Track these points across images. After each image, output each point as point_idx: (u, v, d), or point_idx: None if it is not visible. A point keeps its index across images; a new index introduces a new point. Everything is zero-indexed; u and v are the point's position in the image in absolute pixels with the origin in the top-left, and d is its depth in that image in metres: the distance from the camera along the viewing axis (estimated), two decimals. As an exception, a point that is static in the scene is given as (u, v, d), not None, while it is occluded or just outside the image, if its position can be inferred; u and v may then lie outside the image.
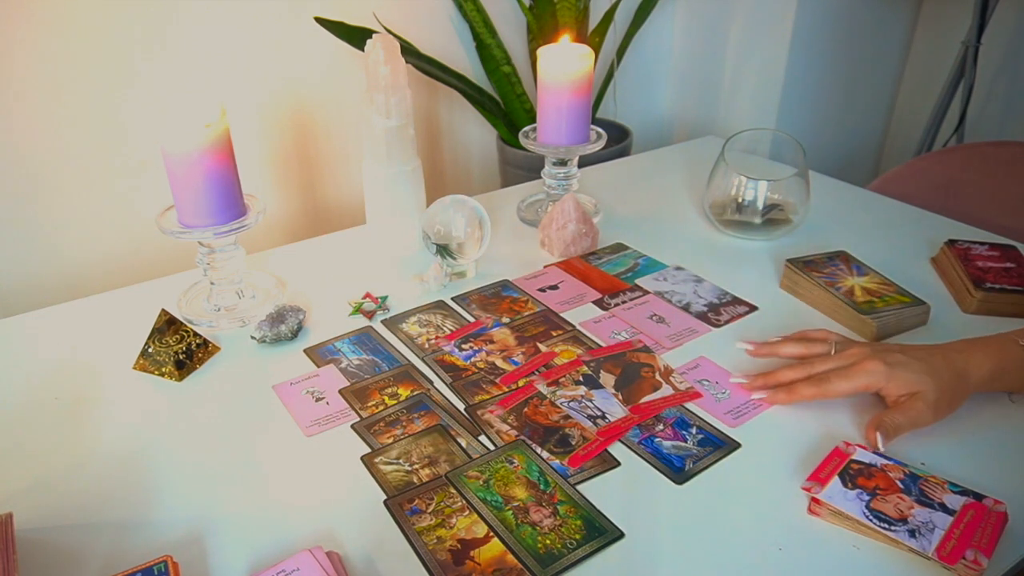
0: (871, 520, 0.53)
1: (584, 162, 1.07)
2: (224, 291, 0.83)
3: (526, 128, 1.02)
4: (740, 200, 0.97)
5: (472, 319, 0.82)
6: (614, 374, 0.72)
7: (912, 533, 0.52)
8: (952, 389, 0.63)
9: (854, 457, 0.59)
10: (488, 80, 1.62)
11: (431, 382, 0.72)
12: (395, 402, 0.69)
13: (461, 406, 0.69)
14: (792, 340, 0.72)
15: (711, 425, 0.65)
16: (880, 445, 0.61)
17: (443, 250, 0.87)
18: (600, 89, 1.71)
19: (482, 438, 0.64)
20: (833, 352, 0.69)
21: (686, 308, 0.83)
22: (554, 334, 0.79)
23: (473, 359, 0.75)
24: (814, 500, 0.56)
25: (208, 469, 0.62)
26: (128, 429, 0.67)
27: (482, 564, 0.52)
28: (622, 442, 0.64)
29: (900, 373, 0.63)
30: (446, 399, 0.70)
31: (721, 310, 0.82)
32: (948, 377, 0.63)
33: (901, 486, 0.56)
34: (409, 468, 0.61)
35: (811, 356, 0.70)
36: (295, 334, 0.78)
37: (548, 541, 0.54)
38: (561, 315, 0.82)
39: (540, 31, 1.56)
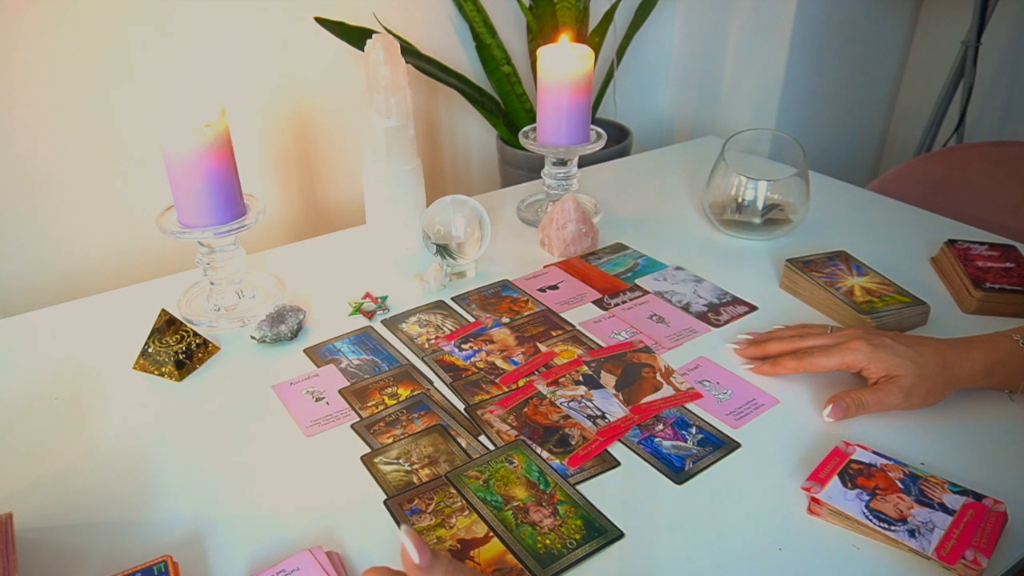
0: (871, 520, 0.53)
1: (584, 162, 1.07)
2: (224, 291, 0.83)
3: (526, 128, 1.02)
4: (740, 200, 0.97)
5: (472, 319, 0.82)
6: (615, 374, 0.72)
7: (912, 533, 0.52)
8: (933, 379, 0.63)
9: (854, 457, 0.59)
10: (488, 80, 1.62)
11: (431, 382, 0.72)
12: (395, 402, 0.69)
13: (461, 406, 0.69)
14: (782, 334, 0.74)
15: (711, 425, 0.65)
16: (828, 415, 0.64)
17: (443, 250, 0.87)
18: (600, 89, 1.71)
19: (482, 438, 0.65)
20: (829, 332, 0.71)
21: (686, 308, 0.83)
22: (554, 334, 0.79)
23: (473, 359, 0.75)
24: (814, 500, 0.56)
25: (208, 469, 0.62)
26: (128, 429, 0.67)
27: (482, 564, 0.52)
28: (622, 442, 0.64)
29: (882, 355, 0.64)
30: (446, 399, 0.70)
31: (721, 310, 0.82)
32: (932, 367, 0.64)
33: (901, 486, 0.56)
34: (409, 468, 0.61)
35: (805, 337, 0.71)
36: (295, 334, 0.78)
37: (548, 541, 0.54)
38: (561, 315, 0.82)
39: (540, 31, 1.56)
